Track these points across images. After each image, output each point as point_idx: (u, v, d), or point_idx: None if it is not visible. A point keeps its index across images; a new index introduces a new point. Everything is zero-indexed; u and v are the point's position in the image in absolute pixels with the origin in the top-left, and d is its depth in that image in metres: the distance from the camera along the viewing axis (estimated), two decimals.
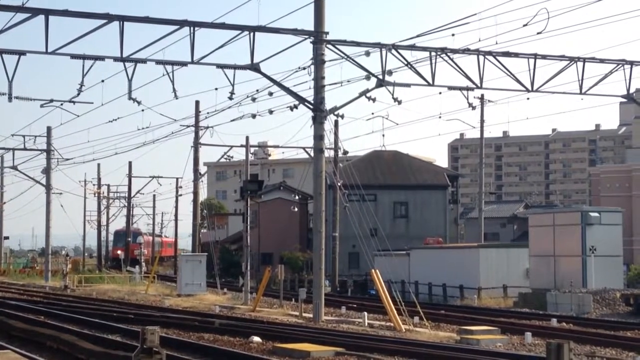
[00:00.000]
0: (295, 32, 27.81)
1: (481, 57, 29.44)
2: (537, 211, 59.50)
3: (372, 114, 41.65)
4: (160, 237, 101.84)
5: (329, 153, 38.52)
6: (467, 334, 22.83)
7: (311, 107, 28.80)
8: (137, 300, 39.57)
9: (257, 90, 32.47)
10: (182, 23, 26.29)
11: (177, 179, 76.28)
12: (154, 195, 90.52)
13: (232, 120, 44.78)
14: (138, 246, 70.51)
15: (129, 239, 79.17)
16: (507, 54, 29.85)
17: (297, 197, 69.36)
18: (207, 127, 48.33)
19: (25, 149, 57.64)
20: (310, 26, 28.35)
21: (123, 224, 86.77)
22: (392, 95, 28.93)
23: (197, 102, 49.75)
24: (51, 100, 40.25)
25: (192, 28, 26.22)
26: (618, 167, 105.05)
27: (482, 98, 54.41)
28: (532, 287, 38.86)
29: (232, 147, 47.77)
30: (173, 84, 27.34)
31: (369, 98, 29.20)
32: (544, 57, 30.42)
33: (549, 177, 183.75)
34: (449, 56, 29.14)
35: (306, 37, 28.12)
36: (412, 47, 28.89)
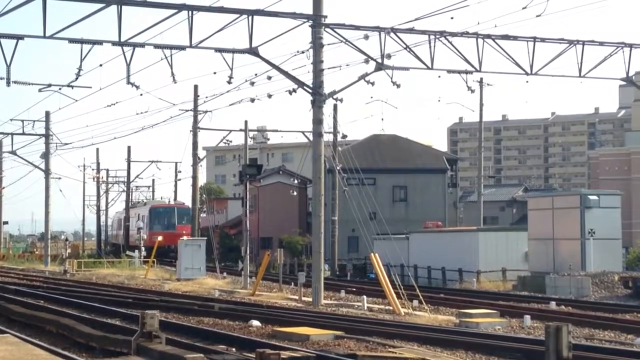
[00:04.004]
0: (293, 15, 27.73)
1: (480, 41, 29.37)
2: (536, 194, 59.52)
3: (371, 97, 41.63)
4: None
5: (328, 137, 38.49)
6: (466, 317, 22.87)
7: (310, 91, 28.74)
8: (137, 284, 39.63)
9: (256, 75, 32.41)
10: (180, 7, 26.21)
11: (176, 163, 76.26)
12: (153, 180, 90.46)
13: (230, 105, 45.00)
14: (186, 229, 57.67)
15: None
16: (506, 37, 29.78)
17: (296, 181, 69.41)
18: (206, 112, 48.31)
19: (24, 133, 57.66)
20: (309, 10, 28.30)
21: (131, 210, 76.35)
22: (391, 79, 28.90)
23: (195, 87, 49.67)
24: (49, 85, 40.35)
25: (190, 12, 26.14)
26: (617, 150, 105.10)
27: (481, 81, 54.38)
28: (531, 271, 38.92)
29: (231, 131, 47.73)
30: (171, 68, 27.34)
31: (368, 82, 29.17)
32: (543, 40, 30.35)
33: (548, 161, 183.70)
34: (447, 39, 29.07)
35: (305, 20, 28.04)
36: (411, 31, 28.82)
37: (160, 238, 55.51)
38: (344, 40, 28.49)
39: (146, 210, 68.45)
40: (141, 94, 34.78)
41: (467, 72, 29.98)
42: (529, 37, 30.05)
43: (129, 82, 27.96)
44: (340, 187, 43.79)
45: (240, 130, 44.75)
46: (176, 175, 76.44)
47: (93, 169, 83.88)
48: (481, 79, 53.81)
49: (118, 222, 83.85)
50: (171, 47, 27.11)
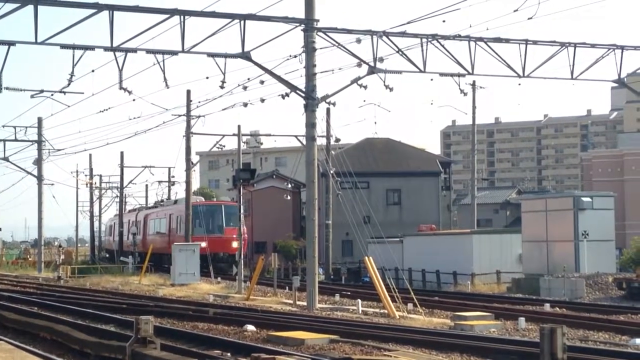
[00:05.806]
0: (286, 20, 27.74)
1: (472, 43, 29.40)
2: (529, 197, 59.60)
3: (364, 101, 41.71)
4: None
5: (321, 141, 38.51)
6: (461, 319, 22.88)
7: (303, 95, 28.75)
8: (131, 290, 39.56)
9: (249, 79, 32.35)
10: (172, 12, 26.19)
11: (169, 168, 76.06)
12: (147, 185, 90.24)
13: (223, 109, 44.72)
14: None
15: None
16: (498, 40, 29.81)
17: (290, 186, 69.33)
18: (199, 116, 48.23)
19: (16, 140, 57.49)
20: (301, 14, 28.31)
21: (137, 212, 73.30)
22: (384, 82, 28.91)
23: (188, 91, 49.61)
24: (41, 91, 40.25)
25: (182, 17, 26.13)
26: (610, 152, 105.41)
27: (473, 84, 54.48)
28: (525, 273, 38.95)
29: (224, 136, 47.70)
30: (164, 73, 27.28)
31: (361, 85, 29.18)
32: (535, 42, 30.38)
33: (541, 163, 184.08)
34: (440, 42, 29.09)
35: (297, 24, 28.05)
36: (403, 34, 28.84)
37: (203, 244, 44.49)
38: (337, 44, 28.50)
39: (180, 209, 53.18)
40: (134, 100, 34.63)
41: (459, 75, 30.00)
42: (520, 40, 30.09)
43: (121, 88, 27.93)
44: (334, 191, 43.79)
45: (234, 134, 44.78)
46: (169, 181, 76.28)
47: (86, 175, 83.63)
48: (474, 81, 53.97)
49: (112, 227, 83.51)
50: (163, 52, 27.08)
